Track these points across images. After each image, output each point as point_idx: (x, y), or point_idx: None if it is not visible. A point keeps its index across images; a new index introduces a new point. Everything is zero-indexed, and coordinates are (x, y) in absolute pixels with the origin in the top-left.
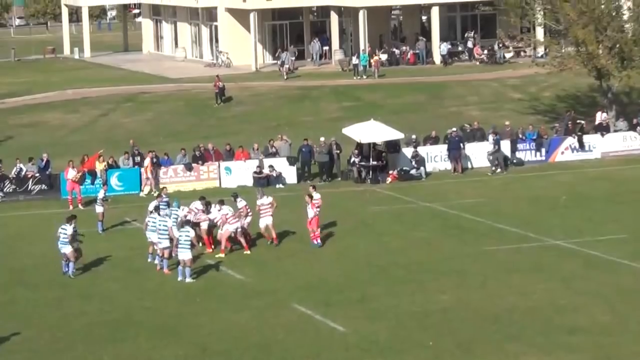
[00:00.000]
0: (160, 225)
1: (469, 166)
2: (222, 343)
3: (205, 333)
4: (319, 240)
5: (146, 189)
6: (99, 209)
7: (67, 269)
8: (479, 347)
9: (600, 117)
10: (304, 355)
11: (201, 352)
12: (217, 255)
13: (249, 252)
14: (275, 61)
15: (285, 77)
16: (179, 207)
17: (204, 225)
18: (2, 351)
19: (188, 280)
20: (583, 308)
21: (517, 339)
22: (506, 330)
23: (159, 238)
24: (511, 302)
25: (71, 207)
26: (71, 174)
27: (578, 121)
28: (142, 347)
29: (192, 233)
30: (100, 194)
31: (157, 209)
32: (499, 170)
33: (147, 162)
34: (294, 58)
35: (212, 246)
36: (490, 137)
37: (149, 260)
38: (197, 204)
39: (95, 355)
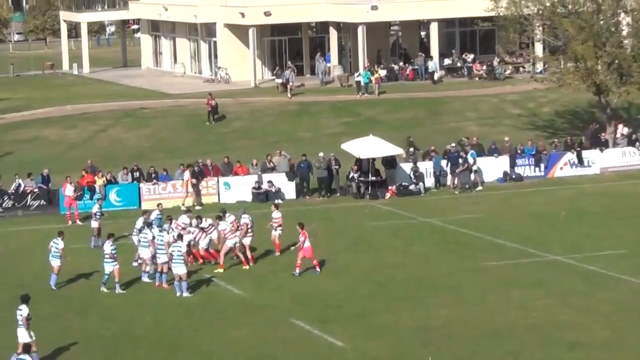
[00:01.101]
0: (158, 240)
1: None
2: (221, 357)
3: (205, 348)
4: (317, 269)
5: (187, 201)
6: (94, 223)
7: (51, 282)
8: None
9: (621, 129)
10: None
11: None
12: (215, 271)
13: (247, 267)
14: (274, 77)
15: (290, 96)
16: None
17: (203, 244)
18: None
19: (185, 294)
20: (582, 324)
21: (517, 354)
22: (506, 345)
23: (157, 253)
24: (510, 318)
25: (69, 223)
26: (69, 189)
27: (602, 135)
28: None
29: (183, 248)
30: (95, 209)
31: (149, 225)
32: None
33: (186, 175)
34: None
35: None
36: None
37: (143, 279)
38: (184, 219)
39: None
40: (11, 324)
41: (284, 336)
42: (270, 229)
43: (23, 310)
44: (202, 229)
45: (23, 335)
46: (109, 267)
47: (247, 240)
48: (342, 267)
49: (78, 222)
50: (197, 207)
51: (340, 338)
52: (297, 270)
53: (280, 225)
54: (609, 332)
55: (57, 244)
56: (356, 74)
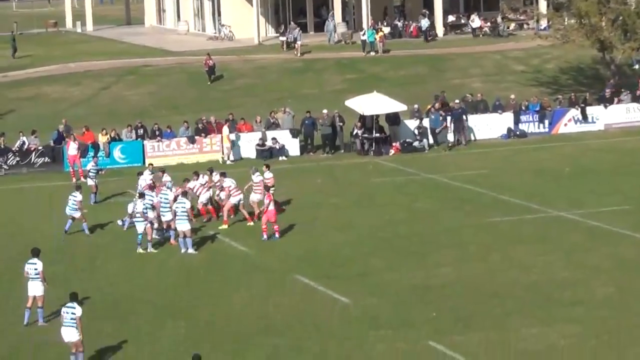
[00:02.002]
0: (162, 198)
1: (472, 138)
2: (225, 318)
3: (208, 308)
4: (276, 235)
5: (225, 157)
6: (90, 182)
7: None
8: (480, 321)
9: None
10: (307, 329)
11: (203, 328)
12: (220, 227)
13: (252, 223)
14: (278, 35)
15: (298, 54)
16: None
17: (202, 199)
18: (6, 325)
19: (190, 251)
20: (584, 281)
21: (518, 312)
22: (508, 303)
23: (161, 211)
24: (512, 276)
25: (74, 180)
26: (72, 148)
27: (623, 90)
28: (144, 323)
29: (188, 204)
30: (89, 167)
31: (151, 188)
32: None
33: (226, 130)
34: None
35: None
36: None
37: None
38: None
39: (98, 330)
40: (15, 283)
41: (288, 294)
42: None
43: (38, 264)
44: (202, 185)
45: (38, 288)
46: (141, 226)
47: (255, 197)
48: (346, 223)
49: (82, 179)
50: (229, 162)
51: (343, 295)
52: (265, 235)
53: (272, 186)
54: (612, 289)
55: (75, 197)
56: (361, 33)
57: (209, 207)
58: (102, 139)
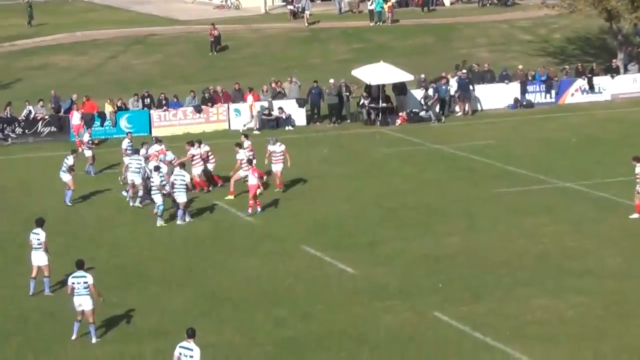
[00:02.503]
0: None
1: (479, 108)
2: (231, 288)
3: (215, 278)
4: (257, 209)
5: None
6: (87, 152)
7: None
8: (489, 291)
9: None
10: (313, 299)
11: (210, 297)
12: (226, 198)
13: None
14: (284, 3)
15: (307, 24)
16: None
17: (196, 171)
18: (13, 297)
19: (188, 219)
20: (593, 251)
21: (527, 283)
22: (516, 274)
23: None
24: (521, 246)
25: (80, 150)
26: (76, 117)
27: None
28: (150, 293)
29: (187, 177)
30: (86, 137)
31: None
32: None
33: (250, 99)
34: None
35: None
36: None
37: (131, 204)
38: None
39: (105, 301)
40: (21, 252)
41: (295, 264)
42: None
43: (40, 235)
44: (193, 155)
45: (42, 258)
46: (159, 198)
47: (278, 167)
48: (353, 193)
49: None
50: (256, 132)
51: (350, 265)
52: (258, 209)
53: (251, 152)
54: (620, 260)
55: (67, 161)
56: (369, 2)
57: (200, 180)
58: (108, 109)
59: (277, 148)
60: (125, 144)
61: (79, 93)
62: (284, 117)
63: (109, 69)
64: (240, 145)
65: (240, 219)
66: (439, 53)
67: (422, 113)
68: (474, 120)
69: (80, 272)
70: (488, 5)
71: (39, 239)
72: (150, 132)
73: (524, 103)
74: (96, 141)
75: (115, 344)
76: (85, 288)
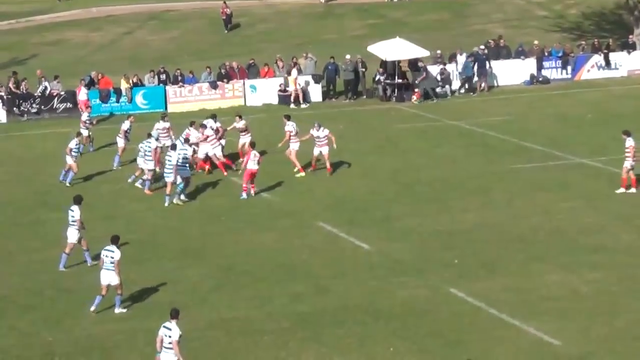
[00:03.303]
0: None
1: (495, 84)
2: (247, 263)
3: (230, 253)
4: (252, 192)
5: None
6: (84, 132)
7: (64, 178)
8: (504, 267)
9: None
10: (329, 274)
11: (226, 272)
12: (297, 175)
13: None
14: None
15: (322, 1)
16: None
17: (218, 151)
18: (28, 271)
19: (183, 197)
20: (607, 227)
21: (542, 258)
22: (531, 249)
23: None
24: (536, 222)
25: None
26: (82, 93)
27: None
28: (166, 267)
29: (189, 151)
30: (84, 117)
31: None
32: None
33: (294, 73)
34: None
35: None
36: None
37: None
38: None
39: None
40: (36, 227)
41: (311, 240)
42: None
43: (75, 212)
44: (207, 136)
45: (73, 235)
46: (170, 177)
47: (325, 150)
48: (369, 169)
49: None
50: (303, 106)
51: (365, 241)
52: (251, 192)
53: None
54: (634, 235)
55: (70, 144)
56: None
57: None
58: (124, 85)
59: (321, 133)
60: (73, 144)
61: (95, 69)
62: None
63: (125, 45)
64: (288, 117)
65: (257, 196)
66: (454, 29)
67: (438, 89)
68: (490, 96)
69: (111, 247)
70: None
71: (73, 216)
72: (166, 107)
73: (540, 79)
74: (94, 121)
75: (130, 319)
76: (111, 263)
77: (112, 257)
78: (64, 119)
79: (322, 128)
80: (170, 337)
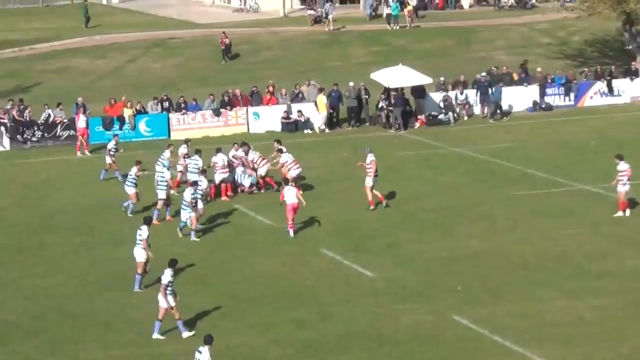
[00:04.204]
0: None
1: (498, 111)
2: (252, 290)
3: (235, 280)
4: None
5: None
6: (108, 159)
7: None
8: (508, 293)
9: None
10: (334, 301)
11: (231, 299)
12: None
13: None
14: (303, 7)
15: (330, 29)
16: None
17: (262, 171)
18: (31, 295)
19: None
20: (612, 253)
21: (546, 284)
22: (535, 275)
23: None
24: (540, 248)
25: (78, 154)
26: (82, 121)
27: (632, 64)
28: None
29: (204, 183)
30: (110, 145)
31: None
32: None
33: (323, 99)
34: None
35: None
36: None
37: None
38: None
39: (125, 301)
40: (41, 253)
41: (315, 267)
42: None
43: (143, 231)
44: (260, 157)
45: (140, 254)
46: (185, 214)
47: (369, 181)
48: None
49: (87, 152)
50: (323, 127)
51: (369, 268)
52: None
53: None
54: (639, 261)
55: (108, 145)
56: (386, 8)
57: (267, 178)
58: (127, 112)
59: (368, 159)
60: (111, 145)
61: (99, 96)
62: (302, 120)
63: (128, 72)
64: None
65: (259, 221)
66: (458, 56)
67: (441, 116)
68: (493, 123)
69: (142, 227)
70: (507, 8)
71: (140, 235)
72: (169, 135)
73: (543, 106)
74: (121, 150)
75: (134, 345)
76: (140, 240)
77: (140, 235)
78: (67, 146)
79: (370, 154)
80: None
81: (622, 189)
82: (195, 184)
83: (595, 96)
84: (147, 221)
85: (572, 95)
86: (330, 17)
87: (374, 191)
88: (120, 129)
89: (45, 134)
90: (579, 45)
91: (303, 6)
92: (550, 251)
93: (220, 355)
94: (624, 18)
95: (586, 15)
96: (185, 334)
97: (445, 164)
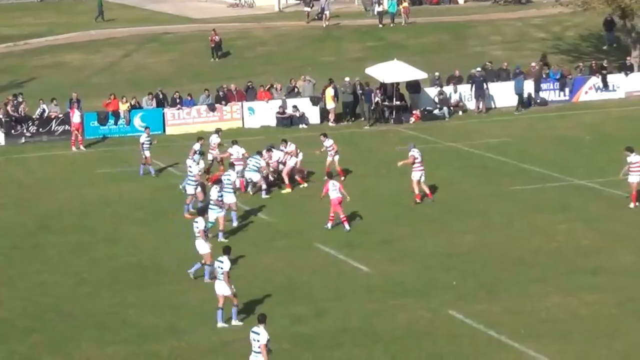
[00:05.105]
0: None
1: (493, 106)
2: (248, 285)
3: (232, 275)
4: (329, 224)
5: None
6: (147, 153)
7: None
8: (503, 289)
9: None
10: (329, 297)
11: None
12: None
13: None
14: (298, 2)
15: (326, 25)
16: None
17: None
18: (28, 294)
19: (235, 224)
20: (606, 249)
21: (541, 280)
22: (530, 271)
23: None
24: (535, 244)
25: (73, 148)
26: (76, 116)
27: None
28: (167, 291)
29: (232, 176)
30: (142, 139)
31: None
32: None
33: (330, 92)
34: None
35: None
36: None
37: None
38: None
39: (121, 300)
40: (37, 252)
41: (310, 262)
42: (322, 154)
43: (199, 223)
44: (287, 153)
45: (203, 246)
46: (214, 214)
47: (416, 175)
48: (367, 191)
49: (82, 147)
50: (332, 124)
51: (365, 263)
52: (330, 224)
53: (336, 151)
54: (634, 257)
55: (191, 170)
56: (376, 5)
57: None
58: (122, 107)
59: (417, 153)
60: (143, 138)
61: (94, 91)
62: (297, 115)
63: (123, 68)
64: (326, 135)
65: (254, 216)
66: (453, 51)
67: (436, 111)
68: (488, 118)
69: (222, 258)
70: (502, 3)
71: (222, 267)
72: (164, 130)
73: (538, 101)
74: (155, 141)
75: (129, 343)
76: (221, 274)
77: (222, 268)
78: (62, 141)
79: (415, 149)
80: (258, 341)
81: (635, 179)
82: (220, 181)
83: (590, 91)
84: (201, 212)
85: (567, 90)
86: (327, 12)
87: (422, 185)
88: (115, 124)
89: (40, 129)
90: (574, 40)
91: (298, 1)
92: (545, 247)
93: (214, 350)
94: (619, 13)
95: (581, 10)
96: (236, 322)
97: (440, 159)
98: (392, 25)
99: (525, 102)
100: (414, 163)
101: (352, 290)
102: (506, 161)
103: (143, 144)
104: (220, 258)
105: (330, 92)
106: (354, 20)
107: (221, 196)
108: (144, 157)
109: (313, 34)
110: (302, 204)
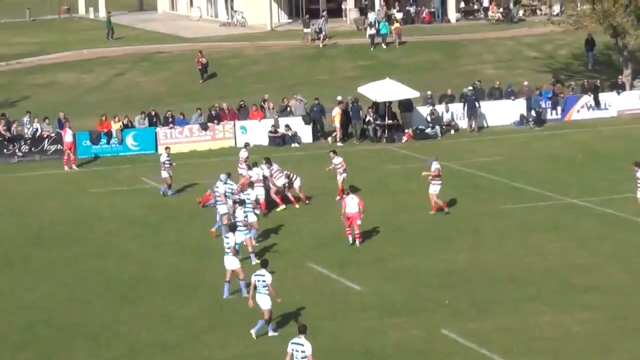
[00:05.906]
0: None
1: (485, 124)
2: (240, 301)
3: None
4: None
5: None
6: (164, 173)
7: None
8: (495, 307)
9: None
10: (321, 315)
11: (218, 310)
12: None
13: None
14: (290, 21)
15: (322, 45)
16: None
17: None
18: (19, 308)
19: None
20: (599, 267)
21: (533, 298)
22: (522, 290)
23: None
24: (527, 262)
25: (66, 168)
26: (68, 135)
27: (619, 77)
28: (158, 304)
29: (252, 196)
30: (163, 158)
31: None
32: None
33: (336, 111)
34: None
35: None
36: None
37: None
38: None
39: (112, 313)
40: (28, 265)
41: (302, 281)
42: (332, 172)
43: (230, 239)
44: (278, 170)
45: (232, 262)
46: (241, 236)
47: (436, 189)
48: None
49: (74, 167)
50: (339, 144)
51: (357, 282)
52: (350, 238)
53: (344, 170)
54: (626, 275)
55: (218, 187)
56: (369, 28)
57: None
58: (114, 126)
59: (433, 166)
60: (164, 157)
61: (86, 110)
62: (290, 134)
63: (116, 87)
64: (335, 153)
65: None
66: (445, 70)
67: (428, 130)
68: (480, 136)
69: (262, 271)
70: (494, 22)
71: (264, 281)
72: (156, 149)
73: (530, 120)
74: (174, 163)
75: (121, 357)
76: (264, 287)
77: (265, 281)
78: (54, 161)
79: (434, 162)
80: (304, 352)
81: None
82: (243, 202)
83: (582, 110)
84: (232, 228)
85: (559, 108)
86: (324, 32)
87: (437, 199)
88: (108, 143)
89: (33, 149)
90: (566, 59)
91: (290, 20)
92: (537, 265)
93: None
94: (611, 32)
95: (573, 29)
96: (271, 333)
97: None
98: (384, 47)
99: (541, 118)
100: (438, 175)
101: (345, 309)
102: (498, 180)
103: (164, 162)
104: (259, 272)
105: (335, 110)
106: (347, 39)
107: (247, 216)
108: (163, 177)
109: (306, 53)
110: (291, 222)
